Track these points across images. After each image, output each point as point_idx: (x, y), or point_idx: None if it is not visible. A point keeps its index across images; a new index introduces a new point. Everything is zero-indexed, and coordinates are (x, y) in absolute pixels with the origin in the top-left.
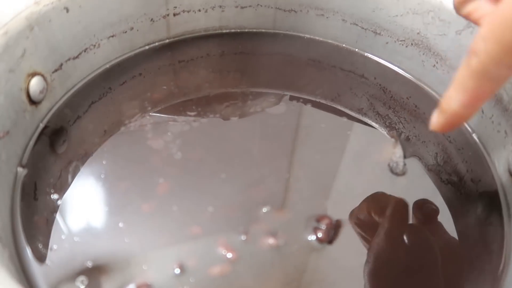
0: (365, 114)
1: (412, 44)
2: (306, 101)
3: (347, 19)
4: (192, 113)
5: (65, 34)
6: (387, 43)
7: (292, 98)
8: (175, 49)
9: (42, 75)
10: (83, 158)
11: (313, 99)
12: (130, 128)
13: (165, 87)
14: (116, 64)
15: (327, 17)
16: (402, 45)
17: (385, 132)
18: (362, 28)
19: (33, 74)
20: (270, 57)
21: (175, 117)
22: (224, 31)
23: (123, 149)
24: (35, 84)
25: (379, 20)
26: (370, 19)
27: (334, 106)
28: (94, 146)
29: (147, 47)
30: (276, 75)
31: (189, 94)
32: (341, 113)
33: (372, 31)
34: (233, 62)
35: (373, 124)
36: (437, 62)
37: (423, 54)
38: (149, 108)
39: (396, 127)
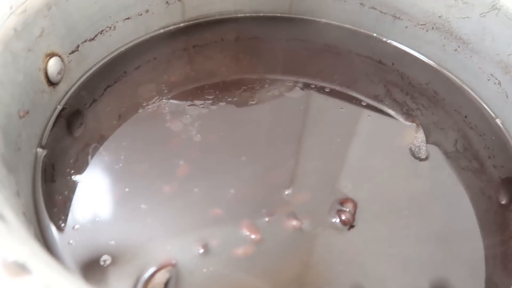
0: (381, 101)
1: (433, 28)
2: (322, 87)
3: (365, 2)
4: (210, 97)
5: (82, 14)
6: (406, 27)
7: (308, 84)
8: (190, 33)
9: (60, 56)
10: (101, 140)
11: (330, 85)
12: (148, 111)
13: (180, 72)
14: (131, 48)
15: (344, 1)
16: (422, 29)
17: (402, 119)
18: (381, 12)
19: (51, 55)
20: (285, 42)
21: (193, 101)
22: (239, 15)
23: (141, 132)
24: (53, 64)
25: (398, 4)
26: (390, 3)
27: (350, 92)
28: (112, 128)
29: (162, 31)
30: (291, 60)
31: (204, 79)
32: (357, 100)
33: (391, 15)
34: (248, 47)
35: (390, 111)
36: (459, 46)
37: (444, 38)
38: (166, 91)
39: (414, 114)
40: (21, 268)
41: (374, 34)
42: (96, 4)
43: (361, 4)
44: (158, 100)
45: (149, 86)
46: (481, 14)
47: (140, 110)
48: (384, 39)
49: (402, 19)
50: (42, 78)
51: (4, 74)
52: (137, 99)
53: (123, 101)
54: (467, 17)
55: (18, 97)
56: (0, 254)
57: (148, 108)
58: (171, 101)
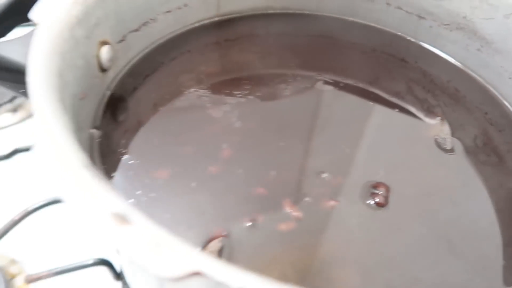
0: (403, 98)
1: (457, 28)
2: (351, 82)
3: (392, 2)
4: (246, 87)
5: (130, 6)
6: (431, 27)
7: (336, 79)
8: (223, 27)
9: (110, 44)
10: (147, 124)
11: (358, 80)
12: (187, 99)
13: (214, 64)
14: (169, 40)
15: (372, 0)
16: (447, 29)
17: (426, 114)
18: (407, 12)
19: (103, 43)
20: (312, 38)
21: (230, 91)
22: (270, 11)
23: (183, 118)
24: (105, 52)
25: (424, 4)
26: (415, 3)
27: (377, 87)
28: (154, 114)
29: (197, 24)
30: (317, 56)
31: (237, 71)
32: (384, 94)
33: (416, 15)
34: (277, 42)
35: (415, 106)
36: (482, 46)
37: (468, 38)
38: (202, 82)
39: (434, 111)
40: (124, 219)
41: (399, 33)
42: None
43: (388, 4)
44: (196, 89)
45: (186, 76)
46: (505, 15)
47: (180, 98)
48: (408, 38)
49: (427, 19)
50: (96, 64)
51: (71, 59)
52: (176, 88)
53: (162, 89)
54: (491, 18)
55: (79, 80)
56: (107, 206)
57: (188, 97)
58: (208, 90)
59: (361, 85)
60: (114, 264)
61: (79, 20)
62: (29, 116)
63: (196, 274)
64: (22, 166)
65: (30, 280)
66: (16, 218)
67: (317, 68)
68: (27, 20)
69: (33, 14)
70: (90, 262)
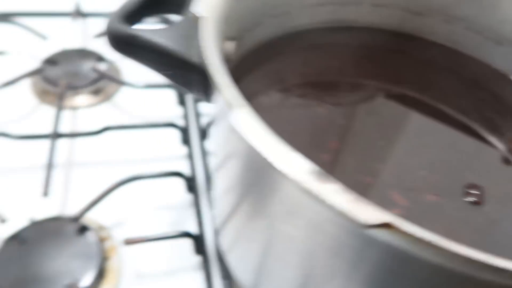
0: (470, 116)
1: None
2: (420, 99)
3: (472, 27)
4: (345, 89)
5: (251, 9)
6: (507, 53)
7: (417, 94)
8: (314, 35)
9: (233, 40)
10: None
11: (430, 97)
12: (290, 95)
13: (307, 67)
14: (269, 41)
15: (452, 23)
16: None
17: (486, 133)
18: (485, 37)
19: (229, 39)
20: (390, 54)
21: (327, 91)
22: (355, 25)
23: (290, 110)
24: (228, 47)
25: (504, 32)
26: (495, 30)
27: (446, 104)
28: (261, 106)
29: (293, 30)
30: (392, 71)
31: (331, 76)
32: (452, 112)
33: (494, 40)
34: (359, 54)
35: (478, 127)
36: None
37: None
38: (300, 81)
39: (501, 131)
40: (322, 178)
41: (474, 56)
42: (259, 2)
43: (467, 28)
44: (296, 87)
45: (285, 75)
46: None
47: (285, 93)
48: (482, 61)
49: (504, 45)
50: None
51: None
52: (279, 84)
53: (267, 84)
54: None
55: None
56: (307, 167)
57: (290, 93)
58: (308, 89)
59: (437, 101)
60: (198, 238)
61: (223, 18)
62: (108, 98)
63: (386, 225)
64: (111, 142)
65: (129, 242)
66: (109, 188)
67: (399, 81)
68: (157, 12)
69: (195, 8)
70: (176, 233)
